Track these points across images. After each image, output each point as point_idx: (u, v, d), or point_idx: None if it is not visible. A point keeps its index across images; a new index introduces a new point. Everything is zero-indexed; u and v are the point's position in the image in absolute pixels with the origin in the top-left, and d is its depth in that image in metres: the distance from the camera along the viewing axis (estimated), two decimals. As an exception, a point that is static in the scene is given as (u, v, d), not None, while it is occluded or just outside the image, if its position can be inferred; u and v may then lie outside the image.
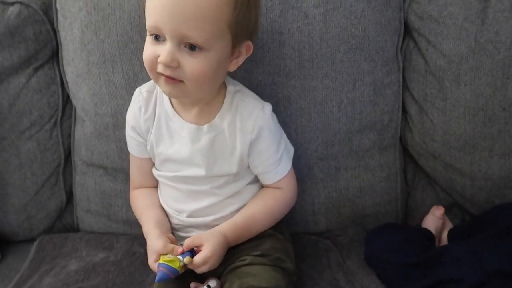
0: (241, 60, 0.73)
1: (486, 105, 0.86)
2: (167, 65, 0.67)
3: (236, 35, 0.69)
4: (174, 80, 0.68)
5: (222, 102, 0.76)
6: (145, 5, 0.69)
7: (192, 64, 0.67)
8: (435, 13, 0.87)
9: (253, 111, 0.75)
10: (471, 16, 0.85)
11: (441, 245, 0.88)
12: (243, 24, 0.69)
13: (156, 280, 0.69)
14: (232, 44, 0.69)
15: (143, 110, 0.79)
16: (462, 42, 0.85)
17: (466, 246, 0.76)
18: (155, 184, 0.86)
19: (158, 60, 0.67)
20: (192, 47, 0.66)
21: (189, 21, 0.64)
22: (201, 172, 0.77)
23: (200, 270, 0.72)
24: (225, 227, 0.76)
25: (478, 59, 0.85)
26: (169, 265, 0.69)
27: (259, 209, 0.78)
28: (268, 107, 0.78)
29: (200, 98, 0.75)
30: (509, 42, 0.83)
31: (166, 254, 0.71)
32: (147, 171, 0.84)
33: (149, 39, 0.70)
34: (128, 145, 0.84)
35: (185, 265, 0.71)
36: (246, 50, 0.73)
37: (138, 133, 0.81)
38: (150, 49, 0.69)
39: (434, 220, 0.90)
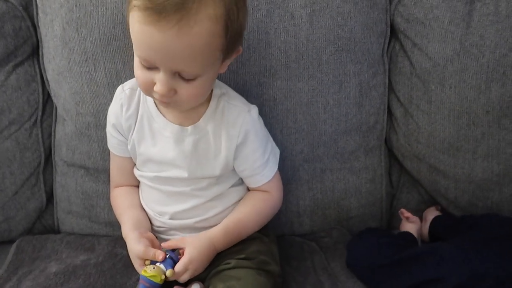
0: (230, 61, 0.72)
1: (470, 107, 0.87)
2: (164, 95, 0.66)
3: (229, 51, 0.67)
4: (165, 102, 0.68)
5: (208, 104, 0.75)
6: (129, 20, 0.65)
7: (188, 90, 0.66)
8: (421, 15, 0.88)
9: (240, 115, 0.74)
10: (456, 19, 0.85)
11: (424, 229, 0.90)
12: (235, 40, 0.67)
13: None
14: (225, 56, 0.68)
15: (125, 108, 0.77)
16: (447, 45, 0.86)
17: (453, 247, 0.76)
18: (135, 183, 0.85)
19: (155, 90, 0.66)
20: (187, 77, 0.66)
21: (184, 60, 0.63)
22: (183, 174, 0.76)
23: (182, 279, 0.71)
24: (214, 232, 0.75)
25: (463, 62, 0.85)
26: (151, 280, 0.69)
27: (248, 213, 0.78)
28: (254, 110, 0.77)
29: None
30: (494, 46, 0.83)
31: (149, 264, 0.70)
32: (127, 170, 0.83)
33: (139, 63, 0.66)
34: (108, 142, 0.83)
35: (166, 278, 0.70)
36: (236, 53, 0.71)
37: (119, 132, 0.79)
38: (143, 75, 0.66)
39: (410, 224, 0.92)
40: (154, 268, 0.69)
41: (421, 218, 0.95)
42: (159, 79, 0.65)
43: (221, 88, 0.77)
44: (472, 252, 0.74)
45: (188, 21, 0.59)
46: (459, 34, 0.85)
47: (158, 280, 0.69)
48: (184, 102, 0.68)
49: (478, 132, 0.88)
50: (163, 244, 0.73)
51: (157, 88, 0.65)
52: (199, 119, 0.75)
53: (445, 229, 0.88)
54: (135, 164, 0.82)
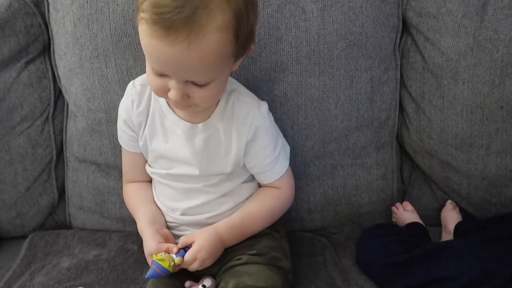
0: (242, 58, 0.71)
1: (484, 103, 0.86)
2: (176, 100, 0.66)
3: (240, 53, 0.67)
4: (184, 106, 0.69)
5: (218, 101, 0.75)
6: (137, 26, 0.64)
7: (202, 95, 0.66)
8: (434, 9, 0.87)
9: (250, 111, 0.74)
10: (470, 13, 0.84)
11: (445, 238, 0.89)
12: (247, 41, 0.66)
13: (145, 277, 0.70)
14: (236, 58, 0.67)
15: (135, 104, 0.77)
16: (460, 39, 0.85)
17: (465, 245, 0.76)
18: (148, 179, 0.85)
19: (169, 96, 0.66)
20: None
21: (195, 71, 0.63)
22: (194, 171, 0.76)
23: (192, 268, 0.72)
24: (220, 225, 0.75)
25: (477, 57, 0.84)
26: (159, 263, 0.70)
27: (257, 208, 0.77)
28: (264, 106, 0.77)
29: None
30: (508, 40, 0.82)
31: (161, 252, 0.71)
32: (139, 165, 0.83)
33: (151, 70, 0.66)
34: (119, 138, 0.83)
35: (177, 265, 0.71)
36: (248, 51, 0.70)
37: (130, 127, 0.79)
38: (156, 82, 0.66)
39: (408, 213, 0.92)
40: (164, 254, 0.71)
41: (438, 220, 0.94)
42: (173, 87, 0.65)
43: (231, 84, 0.77)
44: (483, 250, 0.73)
45: (197, 35, 0.59)
46: (472, 28, 0.84)
47: (167, 265, 0.69)
48: (199, 105, 0.69)
49: (491, 128, 0.87)
50: (180, 242, 0.73)
51: (171, 95, 0.65)
52: (209, 117, 0.75)
53: (468, 231, 0.87)
54: (146, 161, 0.82)
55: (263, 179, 0.79)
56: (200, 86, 0.65)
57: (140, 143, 0.80)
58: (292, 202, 0.83)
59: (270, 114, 0.78)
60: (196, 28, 0.58)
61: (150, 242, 0.73)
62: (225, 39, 0.61)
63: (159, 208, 0.82)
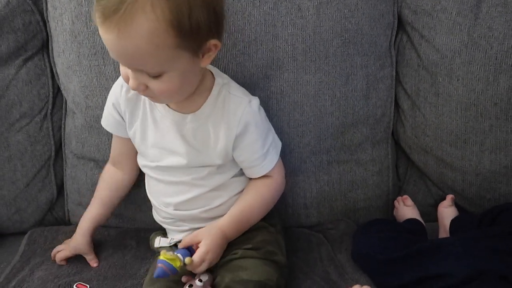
0: (212, 54, 0.69)
1: (478, 100, 0.86)
2: (134, 89, 0.68)
3: (192, 47, 0.66)
4: (149, 97, 0.72)
5: (209, 94, 0.75)
6: None
7: (157, 86, 0.67)
8: (429, 7, 0.87)
9: (240, 105, 0.75)
10: (464, 11, 0.85)
11: (442, 235, 0.89)
12: (194, 36, 0.65)
13: (154, 276, 0.68)
14: (192, 52, 0.66)
15: (124, 89, 0.78)
16: (455, 36, 0.85)
17: (460, 242, 0.76)
18: (126, 170, 0.87)
19: (129, 85, 0.69)
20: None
21: (136, 59, 0.64)
22: (182, 161, 0.76)
23: (199, 270, 0.72)
24: (223, 221, 0.76)
25: (471, 54, 0.85)
26: (169, 263, 0.68)
27: (254, 200, 0.78)
28: (255, 101, 0.77)
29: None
30: (502, 37, 0.83)
31: (168, 251, 0.70)
32: (122, 151, 0.85)
33: None
34: (104, 119, 0.83)
35: (184, 265, 0.70)
36: (214, 47, 0.69)
37: (117, 111, 0.80)
38: (121, 71, 0.70)
39: (408, 209, 0.93)
40: (172, 253, 0.69)
41: (433, 216, 0.94)
42: (130, 75, 0.67)
43: (222, 78, 0.78)
44: (479, 247, 0.74)
45: (126, 23, 0.60)
46: (467, 25, 0.84)
47: (177, 265, 0.68)
48: (160, 97, 0.70)
49: (486, 124, 0.87)
50: (180, 244, 0.74)
51: (130, 83, 0.68)
52: (199, 108, 0.75)
53: (463, 227, 0.87)
54: (131, 148, 0.83)
55: (251, 173, 0.80)
56: (154, 77, 0.66)
57: (130, 132, 0.80)
58: (283, 189, 0.83)
59: (262, 109, 0.79)
60: (125, 15, 0.60)
61: (79, 238, 0.85)
62: (158, 29, 0.62)
63: (152, 204, 0.83)
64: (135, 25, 0.61)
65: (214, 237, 0.73)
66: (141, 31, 0.61)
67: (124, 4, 0.60)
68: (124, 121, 0.80)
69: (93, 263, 0.85)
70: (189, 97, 0.74)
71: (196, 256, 0.70)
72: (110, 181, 0.87)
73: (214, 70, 0.79)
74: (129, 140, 0.82)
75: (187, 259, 0.69)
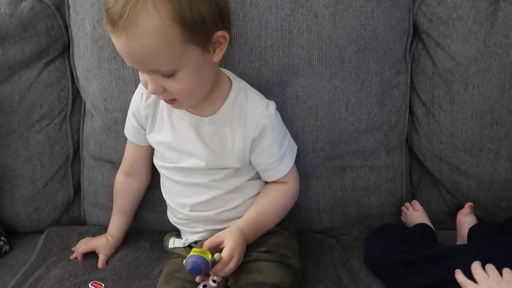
0: (224, 48, 0.70)
1: (494, 107, 0.86)
2: (154, 93, 0.70)
3: (199, 40, 0.66)
4: (168, 100, 0.72)
5: (227, 98, 0.76)
6: None
7: (174, 86, 0.68)
8: (444, 15, 0.88)
9: (257, 109, 0.76)
10: (480, 19, 0.85)
11: (460, 243, 0.89)
12: (200, 29, 0.65)
13: (188, 270, 0.66)
14: (201, 46, 0.67)
15: (144, 96, 0.80)
16: (470, 44, 0.86)
17: (474, 249, 0.76)
18: (143, 179, 0.88)
19: (148, 90, 0.70)
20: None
21: (147, 60, 0.65)
22: (201, 163, 0.77)
23: (229, 267, 0.70)
24: (241, 223, 0.76)
25: (487, 62, 0.85)
26: (200, 256, 0.66)
27: (269, 204, 0.79)
28: (272, 105, 0.78)
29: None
30: (518, 46, 0.83)
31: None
32: (139, 159, 0.86)
33: None
34: (125, 128, 0.86)
35: (213, 264, 0.68)
36: (223, 38, 0.69)
37: (137, 120, 0.82)
38: (141, 76, 0.71)
39: (417, 213, 0.93)
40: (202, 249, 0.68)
41: (447, 224, 0.94)
42: (148, 80, 0.69)
43: (239, 83, 0.79)
44: (492, 256, 0.73)
45: (131, 25, 0.62)
46: (483, 33, 0.85)
47: (209, 257, 0.67)
48: (180, 98, 0.71)
49: (501, 132, 0.87)
50: (205, 244, 0.72)
51: (148, 88, 0.69)
52: (217, 111, 0.76)
53: (481, 235, 0.86)
54: (147, 155, 0.85)
55: (268, 177, 0.80)
56: (168, 76, 0.67)
57: (149, 136, 0.81)
58: (297, 196, 0.84)
59: (278, 114, 0.80)
60: (129, 18, 0.62)
61: (112, 241, 0.89)
62: (162, 25, 0.63)
63: (168, 205, 0.84)
64: (140, 26, 0.62)
65: (237, 235, 0.73)
66: (147, 30, 0.62)
67: (128, 7, 0.61)
68: (144, 129, 0.82)
69: (104, 264, 0.87)
70: (206, 100, 0.75)
71: (225, 252, 0.70)
72: (127, 194, 0.90)
73: (231, 75, 0.80)
74: (146, 148, 0.84)
75: (216, 255, 0.68)
